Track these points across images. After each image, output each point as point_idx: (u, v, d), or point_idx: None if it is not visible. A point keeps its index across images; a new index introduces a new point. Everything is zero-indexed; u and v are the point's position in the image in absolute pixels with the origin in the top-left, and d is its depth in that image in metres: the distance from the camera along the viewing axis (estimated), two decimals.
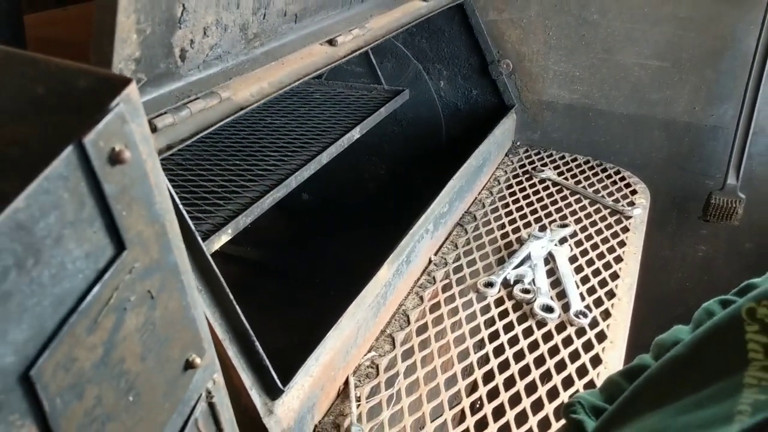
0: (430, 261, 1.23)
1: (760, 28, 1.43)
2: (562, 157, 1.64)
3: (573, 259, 1.24)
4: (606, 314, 1.11)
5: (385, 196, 1.75)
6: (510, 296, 1.14)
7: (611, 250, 1.29)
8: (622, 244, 1.31)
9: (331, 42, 1.06)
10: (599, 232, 1.34)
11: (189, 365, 0.53)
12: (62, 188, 0.37)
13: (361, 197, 1.79)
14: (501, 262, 1.23)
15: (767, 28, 1.42)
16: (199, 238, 0.65)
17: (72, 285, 0.39)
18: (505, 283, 1.16)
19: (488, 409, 0.90)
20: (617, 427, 0.40)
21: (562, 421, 0.63)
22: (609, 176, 1.56)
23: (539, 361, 0.99)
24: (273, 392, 0.72)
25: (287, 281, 1.61)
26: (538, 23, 1.60)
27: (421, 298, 1.13)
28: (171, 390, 0.51)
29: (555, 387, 0.94)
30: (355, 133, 1.30)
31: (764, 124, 1.53)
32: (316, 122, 1.33)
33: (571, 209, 1.42)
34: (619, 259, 1.26)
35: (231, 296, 0.68)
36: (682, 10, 1.50)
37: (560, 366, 0.99)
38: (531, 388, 0.94)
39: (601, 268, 1.23)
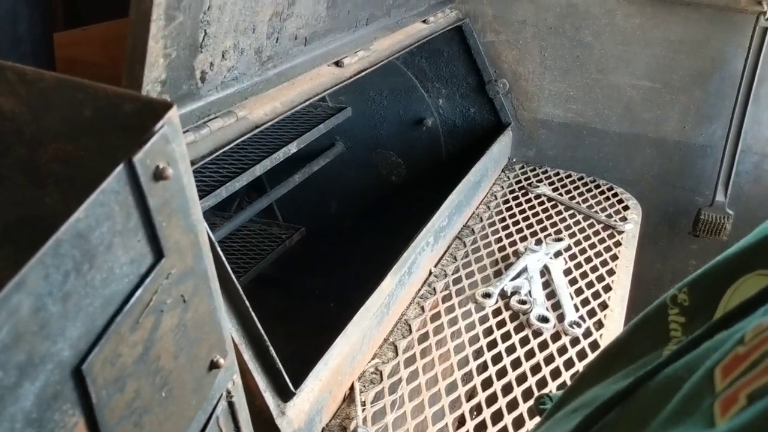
0: (430, 273, 1.27)
1: (747, 51, 1.48)
2: (557, 174, 1.69)
3: (567, 272, 1.29)
4: (599, 324, 1.15)
5: (388, 208, 1.79)
6: (507, 307, 1.18)
7: (604, 263, 1.33)
8: (614, 257, 1.36)
9: (338, 63, 1.12)
10: (593, 246, 1.39)
11: (213, 365, 0.57)
12: (114, 201, 0.41)
13: (365, 209, 1.84)
14: (498, 274, 1.28)
15: (754, 50, 1.48)
16: (218, 246, 0.70)
17: (119, 288, 0.43)
18: (503, 294, 1.21)
19: (487, 413, 0.95)
20: (566, 405, 0.46)
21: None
22: (602, 192, 1.62)
23: (535, 369, 1.04)
24: (285, 394, 0.76)
25: (287, 293, 1.65)
26: (534, 45, 1.66)
27: (422, 308, 1.17)
28: (198, 387, 0.55)
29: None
30: (292, 148, 1.38)
31: (751, 144, 1.58)
32: (258, 137, 1.39)
33: (565, 224, 1.47)
34: (611, 272, 1.31)
35: (246, 302, 0.72)
36: (672, 34, 1.56)
37: (555, 373, 1.03)
38: (527, 394, 0.98)
39: (595, 281, 1.28)
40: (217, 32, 0.75)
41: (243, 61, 0.84)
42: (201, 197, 1.10)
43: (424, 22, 1.48)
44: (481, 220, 1.46)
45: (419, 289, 1.22)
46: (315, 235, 1.72)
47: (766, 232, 0.51)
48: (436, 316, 1.15)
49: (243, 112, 0.84)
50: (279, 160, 1.35)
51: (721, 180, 1.58)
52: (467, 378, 1.01)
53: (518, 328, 1.13)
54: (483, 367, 1.04)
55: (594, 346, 1.10)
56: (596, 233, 1.44)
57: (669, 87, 1.61)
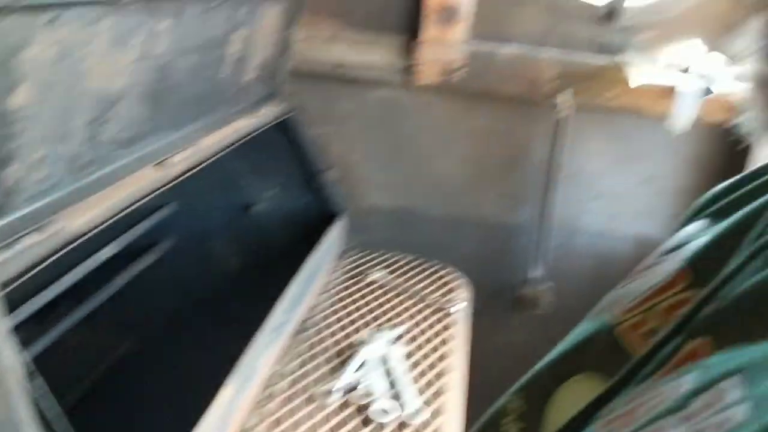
0: (271, 374, 1.23)
1: (549, 139, 1.64)
2: (388, 259, 1.73)
3: (406, 359, 1.31)
4: (440, 410, 1.17)
5: (224, 302, 1.73)
6: (350, 402, 1.17)
7: (440, 346, 1.37)
8: (449, 339, 1.40)
9: (163, 164, 1.08)
10: (427, 329, 1.43)
11: None
12: None
13: (199, 306, 1.75)
14: (340, 368, 1.26)
15: (554, 139, 1.64)
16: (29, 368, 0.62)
17: None
18: (345, 389, 1.20)
19: None
20: None
21: None
22: (432, 274, 1.68)
23: None
24: None
25: (116, 406, 1.52)
26: (358, 136, 1.72)
27: (264, 414, 1.12)
28: None
29: None
30: (111, 250, 1.34)
31: (560, 221, 1.73)
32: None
33: (400, 309, 1.50)
34: (447, 354, 1.35)
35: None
36: (484, 125, 1.69)
37: None
38: None
39: (433, 365, 1.30)
40: (27, 142, 0.70)
41: (57, 170, 0.78)
42: (11, 310, 0.99)
43: (250, 117, 1.48)
44: (319, 313, 1.45)
45: (259, 394, 1.17)
46: (146, 339, 1.61)
47: (587, 333, 0.55)
48: (277, 422, 1.11)
49: (59, 224, 0.77)
50: (99, 262, 1.27)
51: (536, 256, 1.71)
52: None
53: (364, 423, 1.12)
54: None
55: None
56: (430, 316, 1.48)
57: (484, 173, 1.73)
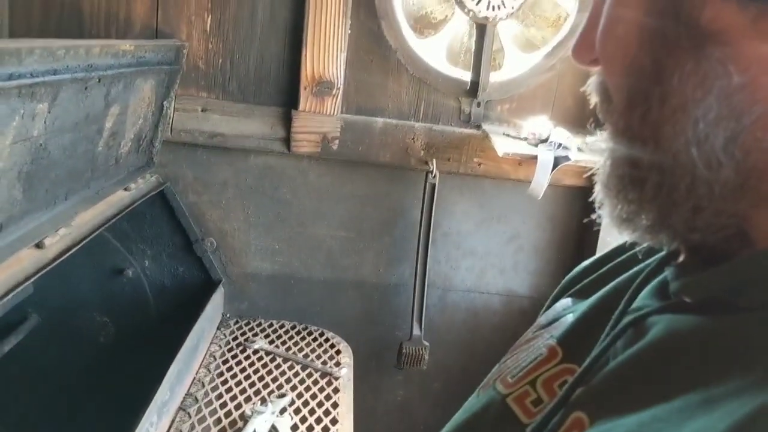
0: None
1: (422, 202, 1.73)
2: (271, 325, 1.74)
3: (295, 428, 1.32)
4: None
5: (101, 377, 1.65)
6: None
7: (327, 413, 1.39)
8: (335, 405, 1.42)
9: (39, 245, 1.04)
10: (314, 396, 1.44)
11: None
12: None
13: (74, 382, 1.66)
14: None
15: (427, 202, 1.72)
16: None
17: None
18: None
19: None
20: None
21: None
22: (315, 339, 1.70)
23: None
24: None
25: None
26: (236, 203, 1.73)
27: None
28: None
29: None
30: None
31: (435, 280, 1.82)
32: None
33: (286, 377, 1.50)
34: (335, 421, 1.37)
35: None
36: (359, 189, 1.75)
37: None
38: None
39: None
40: None
41: None
42: None
43: (125, 189, 1.46)
44: (204, 385, 1.43)
45: None
46: (14, 428, 1.51)
47: (481, 404, 0.60)
48: None
49: None
50: None
51: (415, 315, 1.78)
52: None
53: None
54: None
55: None
56: (315, 382, 1.50)
57: (362, 235, 1.79)
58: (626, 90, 0.46)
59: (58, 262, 1.05)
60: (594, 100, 0.51)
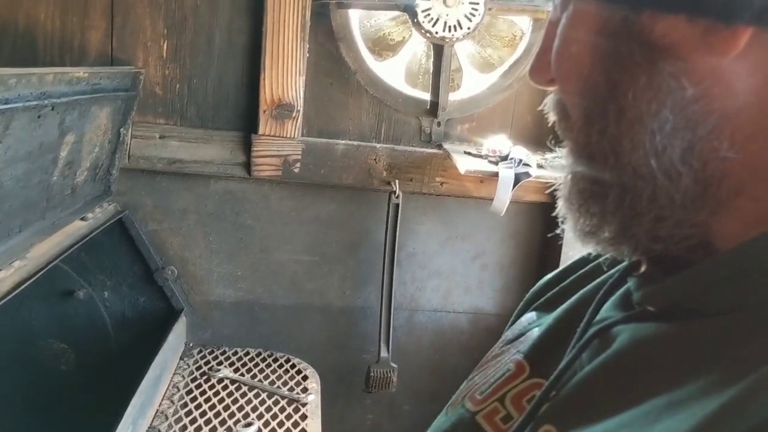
0: None
1: (385, 224, 1.72)
2: (236, 353, 1.70)
3: None
4: None
5: (63, 406, 1.60)
6: None
7: None
8: None
9: None
10: (281, 424, 1.42)
11: None
12: None
13: (36, 415, 1.60)
14: None
15: (391, 222, 1.72)
16: None
17: None
18: None
19: None
20: None
21: None
22: (281, 365, 1.67)
23: None
24: None
25: None
26: (197, 230, 1.70)
27: None
28: None
29: None
30: None
31: (401, 301, 1.81)
32: None
33: (252, 405, 1.47)
34: None
35: None
36: (322, 212, 1.74)
37: None
38: None
39: None
40: None
41: None
42: None
43: (82, 219, 1.42)
44: (167, 418, 1.39)
45: None
46: None
47: (450, 422, 0.59)
48: None
49: None
50: None
51: (382, 337, 1.76)
52: None
53: None
54: None
55: None
56: (282, 409, 1.47)
57: (326, 259, 1.77)
58: (583, 107, 0.46)
59: (12, 295, 1.02)
60: (552, 118, 0.52)
